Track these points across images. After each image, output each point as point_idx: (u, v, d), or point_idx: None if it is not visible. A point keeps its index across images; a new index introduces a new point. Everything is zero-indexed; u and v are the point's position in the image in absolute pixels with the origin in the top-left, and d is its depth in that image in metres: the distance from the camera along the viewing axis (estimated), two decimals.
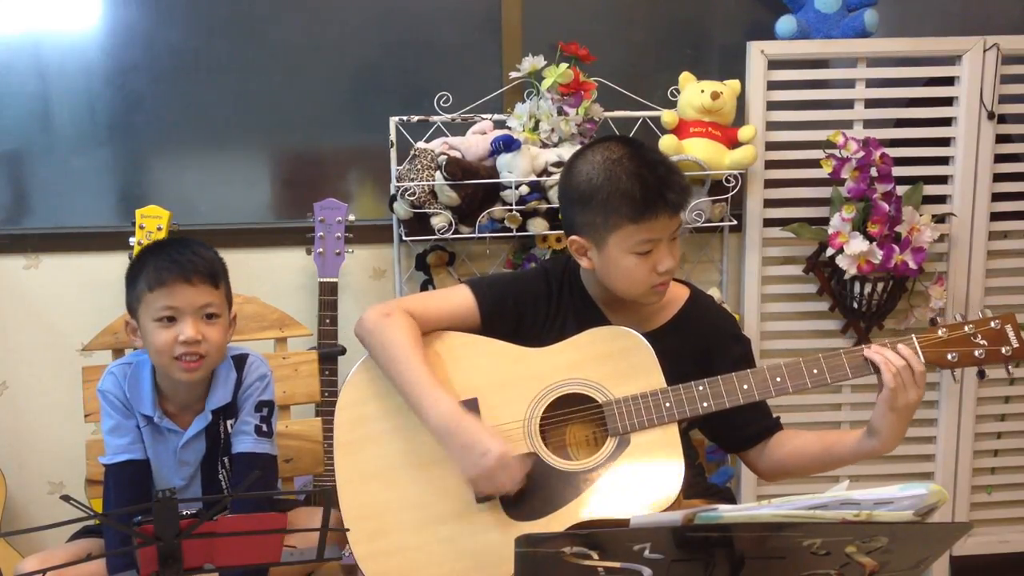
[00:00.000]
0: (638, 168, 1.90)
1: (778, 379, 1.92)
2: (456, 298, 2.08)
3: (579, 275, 2.08)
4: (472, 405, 1.96)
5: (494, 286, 2.11)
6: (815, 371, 1.91)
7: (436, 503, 1.92)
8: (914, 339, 1.91)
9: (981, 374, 1.95)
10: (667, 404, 1.91)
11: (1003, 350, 1.90)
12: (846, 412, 3.11)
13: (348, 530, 1.91)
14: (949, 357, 1.90)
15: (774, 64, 2.97)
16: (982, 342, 1.91)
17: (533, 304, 2.08)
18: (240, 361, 2.14)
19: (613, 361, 1.95)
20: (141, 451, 2.07)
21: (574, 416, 1.96)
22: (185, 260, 2.00)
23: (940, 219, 3.00)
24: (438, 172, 2.77)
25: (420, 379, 1.93)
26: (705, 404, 1.91)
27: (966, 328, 1.91)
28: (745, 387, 1.92)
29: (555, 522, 1.85)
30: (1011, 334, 1.91)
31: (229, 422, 2.11)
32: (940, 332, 1.91)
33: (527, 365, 1.98)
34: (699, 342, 2.04)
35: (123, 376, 2.09)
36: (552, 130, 2.87)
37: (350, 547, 1.92)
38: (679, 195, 1.91)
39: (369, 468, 1.97)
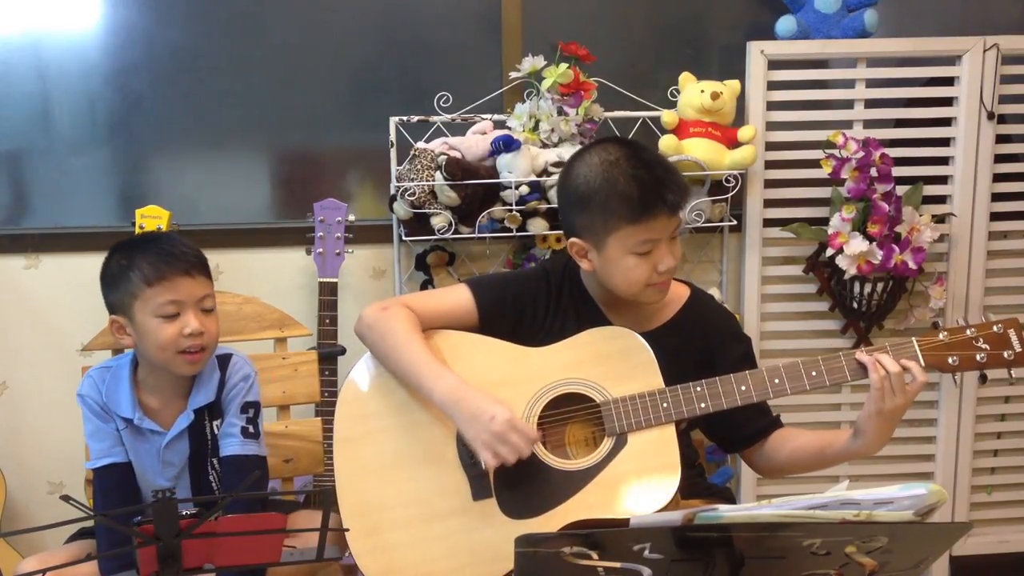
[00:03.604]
0: (635, 169, 1.90)
1: (776, 381, 1.91)
2: (455, 297, 2.08)
3: (579, 275, 2.08)
4: None
5: (493, 286, 2.11)
6: (814, 373, 1.91)
7: (434, 500, 1.93)
8: (914, 342, 1.89)
9: (983, 378, 1.93)
10: (665, 405, 1.90)
11: (1005, 354, 1.88)
12: (845, 412, 3.11)
13: (348, 530, 1.91)
14: (950, 361, 1.88)
15: (774, 64, 2.97)
16: (984, 346, 1.88)
17: (532, 303, 2.08)
18: (224, 361, 2.13)
19: (612, 361, 1.95)
20: (122, 454, 2.06)
21: (572, 416, 1.96)
22: (180, 253, 2.00)
23: (940, 219, 3.00)
24: (438, 172, 2.77)
25: (420, 360, 1.94)
26: (703, 405, 1.91)
27: (968, 332, 1.89)
28: (743, 388, 1.91)
29: (551, 520, 1.85)
30: (1014, 338, 1.88)
31: (216, 423, 2.10)
32: (941, 336, 1.89)
33: (525, 364, 1.98)
34: (699, 341, 2.04)
35: (101, 380, 2.09)
36: (552, 130, 2.87)
37: (348, 542, 1.92)
38: (677, 195, 1.90)
39: (368, 464, 1.97)
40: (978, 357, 1.88)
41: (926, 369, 1.86)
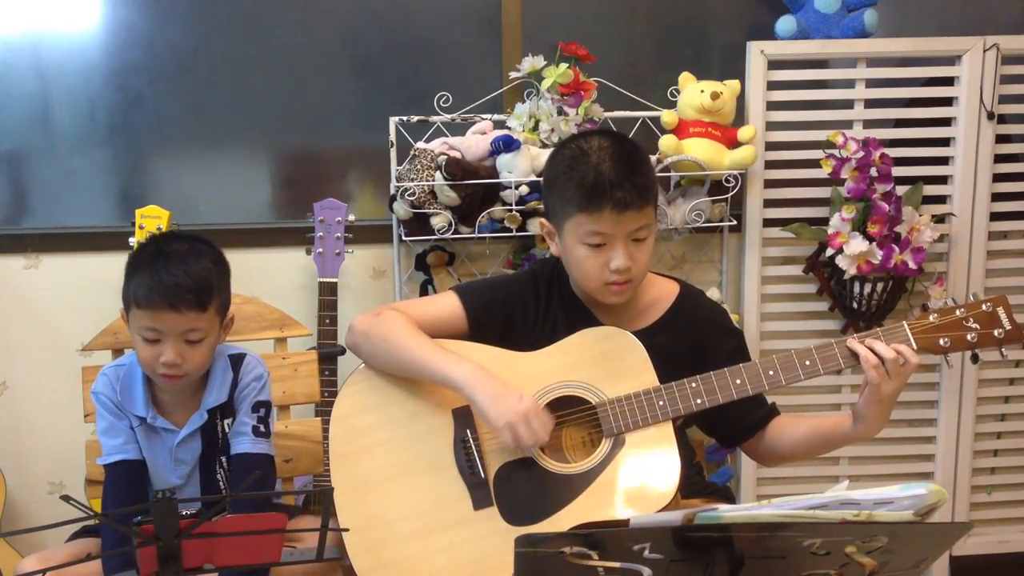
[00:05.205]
0: (600, 162, 1.91)
1: (770, 372, 1.91)
2: (442, 304, 2.07)
3: (567, 276, 2.07)
4: (466, 412, 1.96)
5: (480, 291, 2.11)
6: (807, 363, 1.91)
7: (435, 511, 1.92)
8: (905, 326, 1.90)
9: (975, 358, 1.95)
10: (660, 403, 1.90)
11: (995, 333, 1.89)
12: (845, 413, 3.10)
13: (347, 529, 1.90)
14: (941, 342, 1.89)
15: (774, 64, 2.97)
16: (974, 326, 1.89)
17: (521, 306, 2.07)
18: (237, 361, 2.13)
19: (605, 361, 1.95)
20: (135, 451, 2.07)
21: (568, 419, 1.96)
22: (172, 284, 1.95)
23: (940, 219, 3.00)
24: (438, 172, 2.77)
25: (431, 351, 1.95)
26: (698, 401, 1.91)
27: (957, 312, 1.90)
28: (738, 382, 1.91)
29: (553, 526, 1.85)
30: (1003, 316, 1.89)
31: (227, 421, 2.11)
32: (931, 318, 1.90)
33: (519, 370, 1.97)
34: (691, 338, 2.04)
35: (115, 378, 2.09)
36: (552, 130, 2.87)
37: (351, 560, 1.91)
38: (629, 194, 1.89)
39: (367, 479, 1.96)
40: (969, 337, 1.89)
41: (918, 352, 1.88)
